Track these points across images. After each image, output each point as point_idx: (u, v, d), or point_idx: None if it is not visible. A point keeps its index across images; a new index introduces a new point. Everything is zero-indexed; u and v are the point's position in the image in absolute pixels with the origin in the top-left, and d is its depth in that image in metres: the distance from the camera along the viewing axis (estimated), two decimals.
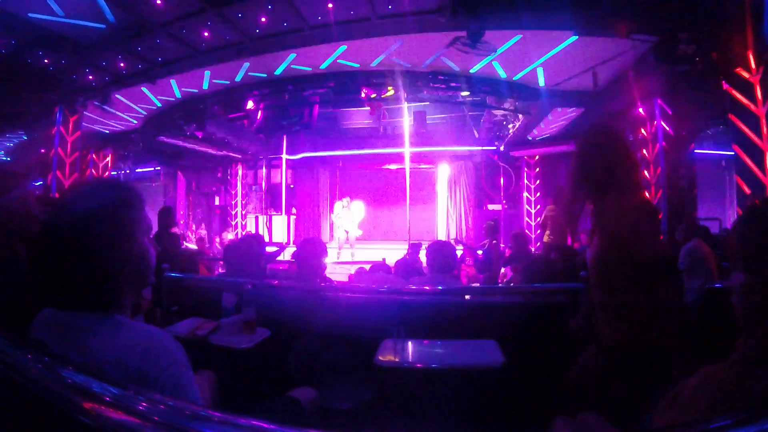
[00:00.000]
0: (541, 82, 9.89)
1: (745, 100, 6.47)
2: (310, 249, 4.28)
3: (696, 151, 9.60)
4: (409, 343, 3.03)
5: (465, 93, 10.70)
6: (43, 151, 10.96)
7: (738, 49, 6.34)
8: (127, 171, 16.07)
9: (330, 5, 7.46)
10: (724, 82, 6.72)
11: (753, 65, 6.33)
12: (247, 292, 3.62)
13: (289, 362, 3.31)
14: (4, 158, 15.84)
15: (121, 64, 9.62)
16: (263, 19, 7.95)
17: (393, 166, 17.70)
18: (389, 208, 18.17)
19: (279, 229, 17.41)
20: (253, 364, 3.21)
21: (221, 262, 6.42)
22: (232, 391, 2.91)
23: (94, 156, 14.16)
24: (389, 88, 10.82)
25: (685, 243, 6.20)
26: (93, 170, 14.12)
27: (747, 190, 6.52)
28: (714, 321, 4.21)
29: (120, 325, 1.25)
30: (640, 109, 9.38)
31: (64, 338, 1.20)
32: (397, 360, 2.88)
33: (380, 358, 2.90)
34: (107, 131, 13.51)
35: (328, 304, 3.82)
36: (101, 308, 1.25)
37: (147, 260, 1.37)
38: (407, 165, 13.77)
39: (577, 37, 7.41)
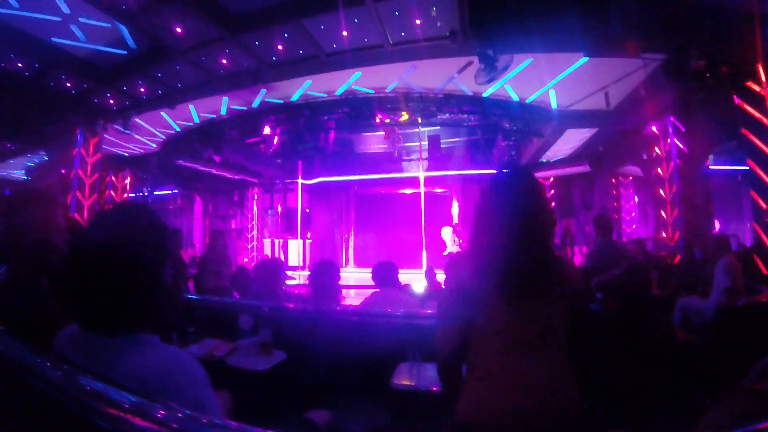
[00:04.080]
0: (554, 103, 9.92)
1: (756, 114, 6.44)
2: (325, 271, 4.31)
3: (711, 167, 9.48)
4: (426, 367, 3.03)
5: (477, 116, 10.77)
6: (63, 171, 11.17)
7: (748, 62, 6.33)
8: (146, 193, 16.28)
9: (345, 33, 7.59)
10: (735, 96, 6.69)
11: (763, 78, 6.32)
12: (264, 314, 3.65)
13: (304, 384, 3.32)
14: (24, 177, 16.12)
15: (141, 89, 9.87)
16: (280, 47, 8.13)
17: (408, 191, 17.71)
18: (404, 232, 18.14)
19: (294, 252, 17.47)
20: (269, 385, 3.21)
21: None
22: (248, 412, 2.92)
23: (113, 178, 14.42)
24: (403, 113, 10.93)
25: (715, 260, 6.09)
26: (112, 191, 14.36)
27: (763, 205, 6.45)
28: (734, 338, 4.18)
29: (144, 344, 1.27)
30: (653, 127, 9.34)
31: (88, 355, 1.21)
32: (413, 384, 2.88)
33: (396, 381, 2.91)
34: (126, 154, 13.80)
35: (344, 327, 3.83)
36: (128, 331, 1.26)
37: (173, 284, 1.41)
38: (422, 189, 13.79)
39: (587, 58, 7.45)
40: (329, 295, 4.24)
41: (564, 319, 1.79)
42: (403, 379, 2.93)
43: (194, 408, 1.18)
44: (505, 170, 2.03)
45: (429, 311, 4.12)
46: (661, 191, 9.23)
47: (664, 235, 9.23)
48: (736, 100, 6.70)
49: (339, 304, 4.53)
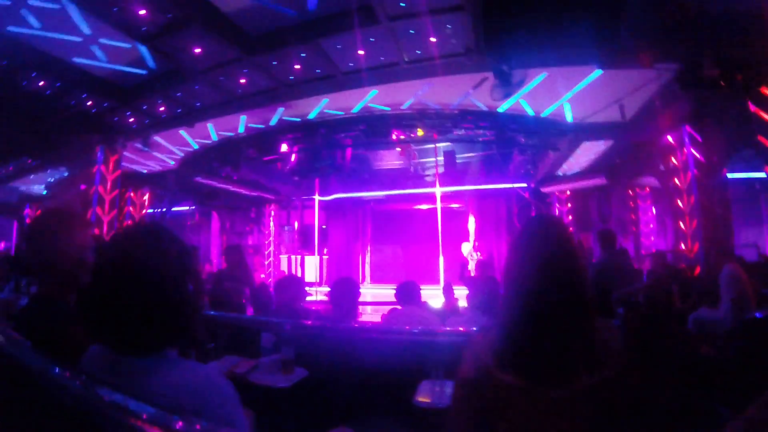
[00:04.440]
0: (569, 117, 9.90)
1: None
2: (346, 288, 4.33)
3: (728, 175, 9.35)
4: (448, 385, 3.02)
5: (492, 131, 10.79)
6: (83, 187, 11.34)
7: (762, 68, 6.28)
8: (164, 210, 16.45)
9: (361, 52, 7.68)
10: (750, 103, 6.63)
11: None
12: (286, 332, 3.68)
13: (326, 402, 3.33)
14: (44, 192, 16.38)
15: (161, 108, 10.03)
16: (297, 67, 8.22)
17: (424, 206, 17.71)
18: (421, 248, 18.08)
19: (311, 269, 17.52)
20: (291, 403, 3.23)
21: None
22: (270, 430, 2.93)
23: (132, 194, 14.59)
24: (419, 129, 10.99)
25: (718, 270, 6.04)
26: (131, 208, 14.53)
27: None
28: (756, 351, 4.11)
29: (172, 363, 1.27)
30: (669, 138, 9.27)
31: (116, 376, 1.20)
32: (435, 401, 2.87)
33: (419, 399, 2.90)
34: (145, 171, 13.98)
35: (365, 344, 3.84)
36: (155, 350, 1.26)
37: (197, 303, 1.42)
38: (438, 204, 13.79)
39: (601, 71, 7.45)
40: (350, 312, 4.26)
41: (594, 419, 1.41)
42: (426, 397, 2.92)
43: (225, 426, 1.21)
44: (531, 219, 1.75)
45: (449, 329, 4.12)
46: (679, 202, 9.12)
47: (683, 246, 9.12)
48: (752, 107, 6.62)
49: (357, 321, 4.55)
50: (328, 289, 4.91)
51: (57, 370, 1.11)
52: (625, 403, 1.43)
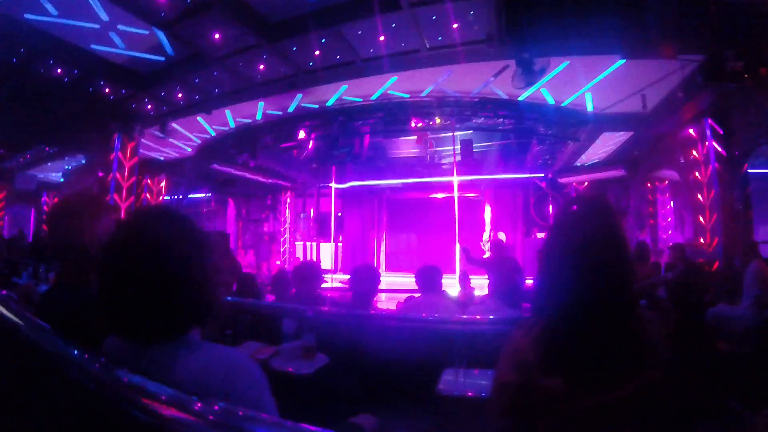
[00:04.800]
0: (590, 107, 9.79)
1: None
2: (366, 276, 4.31)
3: (750, 171, 9.21)
4: (472, 373, 3.00)
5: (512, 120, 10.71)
6: (101, 174, 11.44)
7: None
8: (180, 197, 16.57)
9: (382, 38, 7.61)
10: None
11: None
12: (307, 318, 3.67)
13: (349, 389, 3.32)
14: (61, 180, 16.57)
15: (179, 95, 10.07)
16: (317, 53, 8.18)
17: (440, 195, 17.65)
18: (436, 237, 18.03)
19: (327, 256, 17.60)
20: (312, 390, 3.22)
21: (269, 288, 6.45)
22: (292, 417, 2.93)
23: (149, 181, 14.72)
24: (437, 117, 10.92)
25: (745, 266, 5.95)
26: (148, 194, 14.65)
27: None
28: None
29: (195, 347, 1.24)
30: (691, 130, 9.14)
31: (139, 364, 1.15)
32: (459, 390, 2.86)
33: (442, 387, 2.89)
34: (162, 158, 14.09)
35: (387, 331, 3.82)
36: (174, 335, 1.22)
37: (217, 283, 1.38)
38: (455, 194, 13.74)
39: (624, 60, 7.35)
40: (370, 299, 4.24)
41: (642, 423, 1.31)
42: (449, 385, 2.91)
43: (254, 409, 1.15)
44: (574, 203, 1.58)
45: (477, 317, 4.08)
46: (699, 196, 8.99)
47: (702, 241, 9.01)
48: None
49: (375, 309, 4.52)
50: (344, 276, 4.88)
51: (76, 354, 1.11)
52: (671, 404, 1.36)
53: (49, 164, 15.32)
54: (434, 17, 7.06)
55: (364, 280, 4.25)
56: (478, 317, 4.01)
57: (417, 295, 4.62)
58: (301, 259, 17.03)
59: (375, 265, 17.44)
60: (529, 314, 1.65)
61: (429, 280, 4.47)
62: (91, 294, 1.89)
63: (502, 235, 15.30)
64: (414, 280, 4.54)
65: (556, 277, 1.47)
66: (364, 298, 4.19)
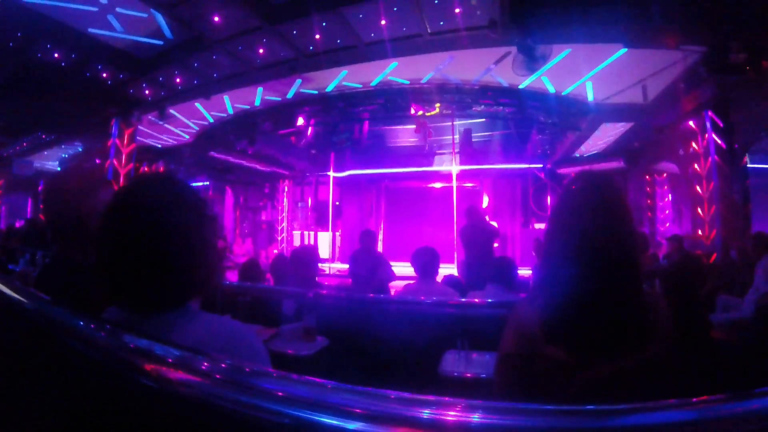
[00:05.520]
0: (590, 96, 9.75)
1: None
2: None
3: (750, 165, 9.22)
4: (473, 354, 3.00)
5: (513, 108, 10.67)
6: (98, 161, 11.37)
7: None
8: None
9: (383, 22, 7.54)
10: None
11: None
12: (308, 300, 3.66)
13: (349, 372, 3.32)
14: (58, 168, 16.47)
15: (177, 79, 9.94)
16: (317, 36, 8.09)
17: (438, 185, 17.62)
18: (434, 227, 18.04)
19: (325, 245, 17.60)
20: (313, 372, 3.20)
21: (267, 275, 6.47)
22: None
23: (146, 168, 14.65)
24: (437, 105, 10.88)
25: (756, 260, 5.94)
26: None
27: None
28: None
29: (195, 316, 1.21)
30: (691, 122, 9.13)
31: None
32: (461, 371, 2.86)
33: (443, 369, 2.89)
34: (160, 145, 14.01)
35: (388, 315, 3.81)
36: (175, 304, 1.20)
37: (218, 256, 1.35)
38: (454, 183, 13.72)
39: (626, 49, 7.31)
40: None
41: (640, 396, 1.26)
42: (451, 367, 2.91)
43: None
44: (577, 180, 1.57)
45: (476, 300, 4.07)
46: (698, 188, 8.98)
47: (700, 233, 9.02)
48: None
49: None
50: (342, 266, 4.87)
51: (81, 323, 1.08)
52: (668, 381, 1.34)
53: (46, 152, 15.21)
54: (436, 1, 7.00)
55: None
56: (476, 300, 4.01)
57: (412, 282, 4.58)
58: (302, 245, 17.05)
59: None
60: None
61: (426, 265, 4.42)
62: (89, 268, 1.87)
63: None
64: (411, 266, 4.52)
65: (560, 250, 1.48)
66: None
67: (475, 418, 0.72)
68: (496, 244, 7.61)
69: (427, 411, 0.73)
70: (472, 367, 2.89)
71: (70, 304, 1.25)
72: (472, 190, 17.75)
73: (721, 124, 8.52)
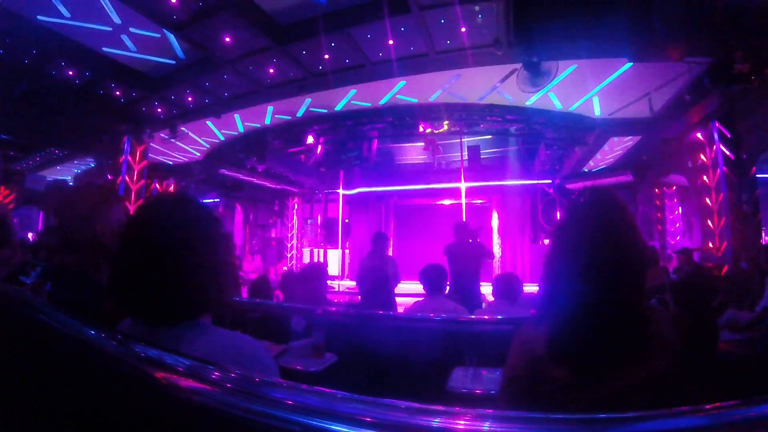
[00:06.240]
0: (597, 111, 9.77)
1: None
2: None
3: (759, 176, 9.18)
4: (482, 372, 2.98)
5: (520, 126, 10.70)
6: (110, 177, 11.49)
7: None
8: None
9: (390, 42, 7.61)
10: None
11: None
12: (317, 316, 3.67)
13: (357, 388, 3.30)
14: (70, 183, 16.61)
15: (189, 98, 10.08)
16: (326, 56, 8.18)
17: (447, 202, 17.62)
18: (444, 244, 17.92)
19: (334, 262, 17.58)
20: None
21: (277, 292, 6.49)
22: None
23: (157, 185, 14.76)
24: (445, 122, 10.92)
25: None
26: None
27: None
28: None
29: (209, 329, 1.25)
30: (698, 134, 9.11)
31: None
32: (470, 388, 2.84)
33: (452, 385, 2.87)
34: (171, 162, 14.14)
35: (396, 332, 3.81)
36: (187, 318, 1.23)
37: (233, 273, 1.39)
38: (463, 200, 13.72)
39: (631, 64, 7.33)
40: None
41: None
42: (460, 384, 2.90)
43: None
44: (581, 197, 1.57)
45: (485, 317, 4.07)
46: (707, 200, 8.94)
47: (710, 245, 8.95)
48: None
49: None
50: (351, 283, 4.88)
51: (93, 333, 1.09)
52: (676, 395, 1.34)
53: (59, 167, 15.38)
54: (443, 20, 7.05)
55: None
56: (486, 317, 4.00)
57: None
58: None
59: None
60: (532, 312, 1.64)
61: (434, 282, 4.45)
62: (101, 282, 1.89)
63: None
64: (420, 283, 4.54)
65: (563, 267, 1.48)
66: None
67: (485, 427, 0.72)
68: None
69: (436, 420, 0.73)
70: (480, 384, 2.88)
71: (84, 317, 1.27)
72: (481, 207, 17.72)
73: (729, 135, 8.51)
